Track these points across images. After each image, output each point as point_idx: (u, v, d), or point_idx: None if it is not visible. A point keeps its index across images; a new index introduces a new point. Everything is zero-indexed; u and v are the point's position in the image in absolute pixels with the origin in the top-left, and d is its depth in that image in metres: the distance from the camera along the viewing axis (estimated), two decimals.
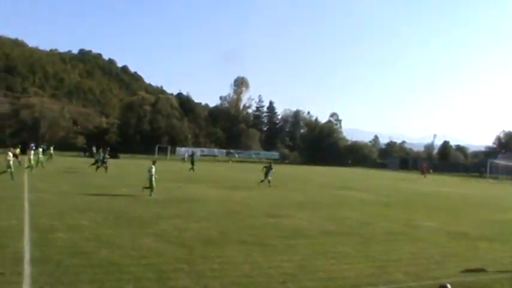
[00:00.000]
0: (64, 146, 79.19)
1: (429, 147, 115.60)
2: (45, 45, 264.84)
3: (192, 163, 49.17)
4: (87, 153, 73.05)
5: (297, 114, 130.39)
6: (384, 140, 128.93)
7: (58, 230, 14.27)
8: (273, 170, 34.94)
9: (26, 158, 38.26)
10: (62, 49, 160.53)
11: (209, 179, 39.53)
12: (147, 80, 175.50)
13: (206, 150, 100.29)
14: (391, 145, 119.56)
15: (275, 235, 15.25)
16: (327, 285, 10.10)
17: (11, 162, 30.02)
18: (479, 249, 14.81)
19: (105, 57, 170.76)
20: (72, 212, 17.72)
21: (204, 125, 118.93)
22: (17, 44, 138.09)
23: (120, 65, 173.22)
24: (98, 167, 40.46)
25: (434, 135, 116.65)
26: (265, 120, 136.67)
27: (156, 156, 76.86)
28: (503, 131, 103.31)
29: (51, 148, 53.91)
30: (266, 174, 34.15)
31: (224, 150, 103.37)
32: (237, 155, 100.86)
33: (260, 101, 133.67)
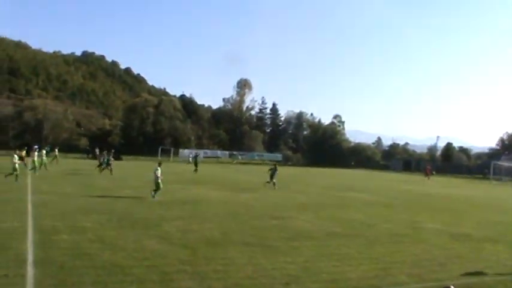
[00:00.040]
0: (67, 147, 79.37)
1: (432, 149, 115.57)
2: (48, 47, 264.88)
3: (196, 164, 49.27)
4: (91, 155, 73.18)
5: (300, 115, 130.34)
6: (387, 142, 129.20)
7: (61, 231, 14.29)
8: (277, 171, 34.92)
9: (29, 159, 38.33)
10: (65, 51, 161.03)
11: (212, 180, 39.55)
12: (150, 82, 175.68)
13: (209, 152, 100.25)
14: (394, 147, 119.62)
15: (278, 237, 15.24)
16: (330, 287, 10.09)
17: (17, 165, 30.06)
18: (483, 251, 14.77)
19: (108, 59, 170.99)
20: (76, 214, 17.75)
21: (207, 126, 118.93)
22: (20, 46, 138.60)
23: (123, 66, 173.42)
24: (102, 169, 40.52)
25: (438, 137, 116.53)
26: (268, 121, 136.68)
27: (159, 158, 76.98)
28: (507, 132, 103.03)
29: (56, 150, 53.89)
30: (272, 176, 34.13)
31: (227, 152, 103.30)
32: (240, 157, 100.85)
33: (263, 102, 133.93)
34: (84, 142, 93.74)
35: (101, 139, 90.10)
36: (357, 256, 13.09)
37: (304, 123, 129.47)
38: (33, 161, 37.73)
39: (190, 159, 52.55)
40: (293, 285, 10.01)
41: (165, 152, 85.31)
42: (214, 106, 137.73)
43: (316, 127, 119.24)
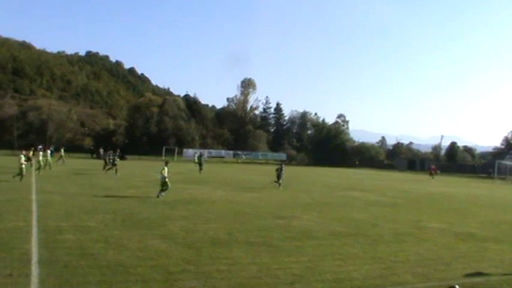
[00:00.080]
0: (71, 147, 79.45)
1: (437, 148, 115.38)
2: (52, 48, 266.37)
3: (200, 164, 49.34)
4: (95, 155, 73.34)
5: (304, 115, 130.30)
6: (391, 141, 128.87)
7: (66, 231, 14.32)
8: (283, 171, 34.94)
9: (35, 159, 38.43)
10: (69, 51, 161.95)
11: (216, 180, 39.55)
12: (154, 82, 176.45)
13: (213, 152, 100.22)
14: (398, 146, 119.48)
15: (282, 236, 15.22)
16: (334, 287, 10.07)
17: (23, 165, 30.13)
18: (487, 251, 14.72)
19: (112, 59, 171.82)
20: (80, 214, 17.77)
21: (211, 126, 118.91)
22: (25, 46, 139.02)
23: (127, 66, 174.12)
24: (108, 169, 40.62)
25: (442, 136, 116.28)
26: (272, 121, 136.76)
27: (164, 157, 77.08)
28: (511, 131, 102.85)
29: (62, 150, 53.97)
30: (279, 177, 34.16)
31: (231, 152, 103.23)
32: (244, 156, 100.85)
33: (267, 102, 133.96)
34: (88, 142, 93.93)
35: (105, 139, 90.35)
36: (361, 255, 13.07)
37: (308, 123, 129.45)
38: (39, 161, 37.87)
39: (196, 158, 52.67)
40: (297, 284, 10.00)
41: (169, 152, 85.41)
42: (218, 106, 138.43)
43: (320, 127, 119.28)
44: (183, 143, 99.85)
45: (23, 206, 19.10)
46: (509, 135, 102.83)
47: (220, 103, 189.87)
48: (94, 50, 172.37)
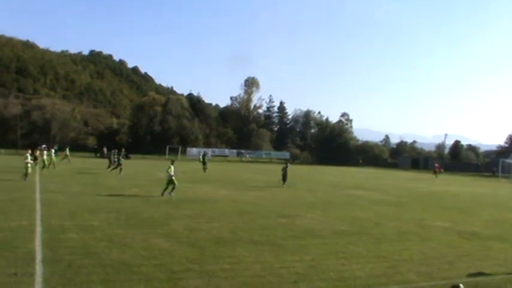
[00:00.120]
0: (75, 147, 79.50)
1: (440, 147, 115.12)
2: (56, 47, 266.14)
3: (204, 163, 49.36)
4: (99, 154, 73.44)
5: (307, 114, 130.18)
6: (394, 140, 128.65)
7: (69, 230, 14.35)
8: (287, 170, 35.00)
9: (39, 159, 38.52)
10: (73, 50, 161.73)
11: (220, 179, 39.55)
12: (157, 81, 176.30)
13: (217, 151, 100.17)
14: (402, 145, 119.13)
15: (286, 235, 15.22)
16: (338, 285, 10.07)
17: (29, 164, 30.20)
18: (491, 249, 14.70)
19: (116, 58, 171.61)
20: (84, 213, 17.80)
21: (215, 125, 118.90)
22: (28, 45, 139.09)
23: (130, 65, 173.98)
24: (114, 168, 40.71)
25: (446, 135, 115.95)
26: (275, 120, 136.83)
27: (167, 156, 77.21)
28: None
29: (67, 149, 54.02)
30: (284, 176, 34.21)
31: (235, 151, 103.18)
32: (247, 155, 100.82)
33: (271, 101, 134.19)
34: (92, 141, 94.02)
35: (108, 138, 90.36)
36: (364, 254, 13.06)
37: (311, 122, 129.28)
38: (43, 160, 38.00)
39: (201, 157, 52.76)
40: (301, 283, 10.00)
41: (173, 151, 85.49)
42: (222, 105, 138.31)
43: (324, 125, 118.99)
44: (186, 142, 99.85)
45: (27, 205, 19.15)
46: None
47: (223, 102, 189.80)
48: (97, 49, 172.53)
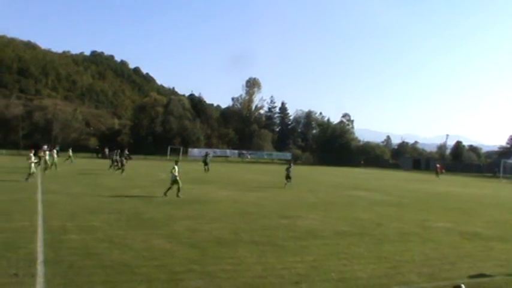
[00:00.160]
0: (76, 147, 79.55)
1: (442, 148, 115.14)
2: (57, 47, 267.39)
3: (206, 163, 49.41)
4: (100, 155, 73.52)
5: (309, 114, 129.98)
6: (396, 141, 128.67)
7: (71, 231, 14.34)
8: (291, 170, 35.10)
9: (42, 159, 38.58)
10: (74, 51, 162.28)
11: (221, 180, 39.57)
12: (159, 82, 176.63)
13: (218, 151, 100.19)
14: (403, 145, 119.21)
15: (288, 236, 15.20)
16: (339, 286, 10.05)
17: (33, 165, 30.23)
18: (493, 250, 14.66)
19: (117, 58, 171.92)
20: (85, 214, 17.80)
21: (216, 126, 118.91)
22: (30, 46, 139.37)
23: (132, 66, 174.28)
24: (117, 168, 40.79)
25: (447, 136, 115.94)
26: (277, 120, 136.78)
27: (169, 157, 77.23)
28: None
29: (70, 150, 54.04)
30: (288, 176, 34.27)
31: (236, 151, 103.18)
32: (249, 156, 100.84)
33: (272, 101, 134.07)
34: (93, 142, 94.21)
35: (110, 139, 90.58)
36: (366, 255, 13.04)
37: (313, 122, 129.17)
38: (45, 161, 38.07)
39: (204, 157, 52.80)
40: (303, 284, 9.98)
41: (175, 152, 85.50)
42: (223, 105, 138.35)
43: (325, 126, 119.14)
44: (188, 142, 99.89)
45: (29, 206, 19.17)
46: None
47: (225, 103, 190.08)
48: (99, 49, 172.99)
